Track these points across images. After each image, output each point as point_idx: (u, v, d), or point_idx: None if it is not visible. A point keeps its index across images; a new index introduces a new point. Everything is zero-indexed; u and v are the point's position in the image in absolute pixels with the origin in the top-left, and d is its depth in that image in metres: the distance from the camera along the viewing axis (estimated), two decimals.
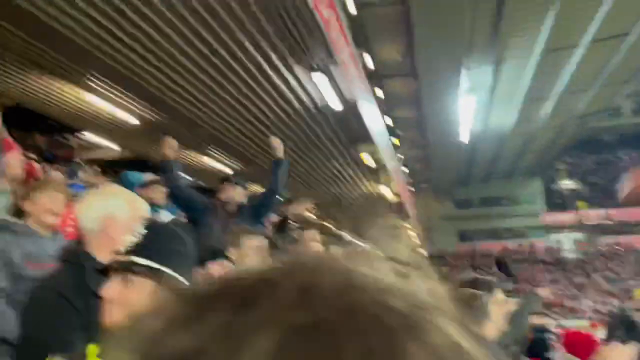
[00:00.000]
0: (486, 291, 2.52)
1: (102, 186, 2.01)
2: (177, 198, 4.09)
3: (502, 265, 33.23)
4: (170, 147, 3.98)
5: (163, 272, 1.32)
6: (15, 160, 3.08)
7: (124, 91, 8.73)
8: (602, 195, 38.66)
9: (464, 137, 23.55)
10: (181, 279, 1.34)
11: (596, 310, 28.72)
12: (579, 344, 3.44)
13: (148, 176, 4.49)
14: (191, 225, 4.18)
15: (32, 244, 2.50)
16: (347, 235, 26.95)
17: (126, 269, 1.32)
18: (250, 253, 3.38)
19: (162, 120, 10.09)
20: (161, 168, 4.05)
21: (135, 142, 12.57)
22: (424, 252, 35.74)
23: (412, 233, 26.93)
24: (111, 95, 9.02)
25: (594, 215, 36.72)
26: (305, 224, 4.47)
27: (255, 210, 4.13)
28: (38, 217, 2.60)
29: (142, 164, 15.22)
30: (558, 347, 3.45)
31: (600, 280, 32.11)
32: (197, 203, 4.01)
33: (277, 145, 4.17)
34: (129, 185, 4.77)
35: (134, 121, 10.23)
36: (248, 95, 8.75)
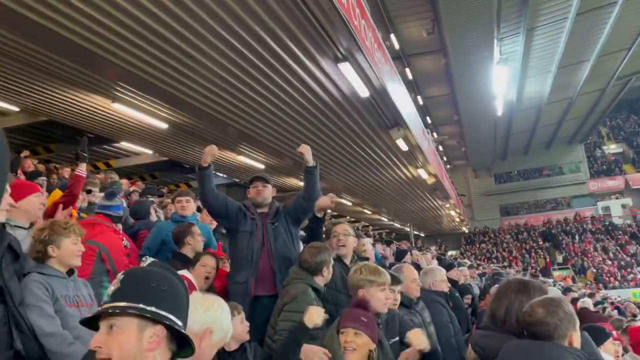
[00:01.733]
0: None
1: (210, 296, 2.03)
2: (211, 207, 3.98)
3: (548, 237, 32.58)
4: (212, 154, 3.85)
5: (145, 310, 1.31)
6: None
7: (149, 97, 8.72)
8: None
9: (498, 109, 22.88)
10: (165, 314, 1.33)
11: None
12: None
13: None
14: (228, 233, 4.07)
15: (62, 285, 2.68)
16: (385, 219, 26.78)
17: (108, 315, 1.31)
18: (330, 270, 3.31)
19: (191, 122, 10.09)
20: (199, 174, 3.88)
21: (168, 146, 12.67)
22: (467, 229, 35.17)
23: (453, 212, 26.49)
24: (138, 102, 9.05)
25: None
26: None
27: (294, 214, 3.98)
28: (64, 261, 2.74)
29: (176, 166, 15.44)
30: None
31: None
32: (231, 210, 3.88)
33: (305, 152, 3.98)
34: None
35: (163, 125, 10.27)
36: (274, 91, 8.61)
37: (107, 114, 9.94)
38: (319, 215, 3.85)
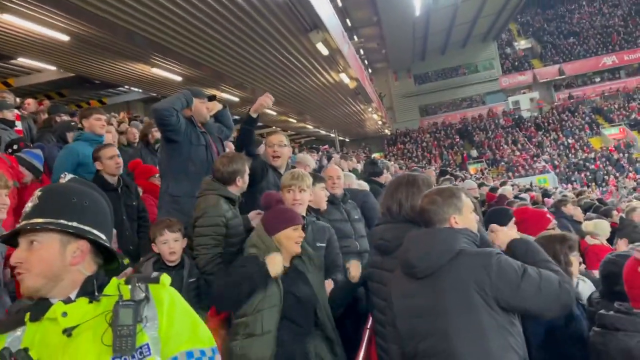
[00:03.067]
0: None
1: None
2: (169, 121, 3.60)
3: (464, 134, 34.25)
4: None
5: (66, 225, 1.30)
6: None
7: (43, 6, 7.89)
8: (555, 51, 39.00)
9: (417, 9, 22.83)
10: (88, 229, 1.32)
11: (555, 165, 30.24)
12: (530, 220, 3.53)
13: None
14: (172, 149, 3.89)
15: None
16: (310, 127, 26.92)
17: (28, 231, 1.30)
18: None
19: (95, 32, 9.31)
20: (186, 96, 3.71)
21: (73, 60, 11.72)
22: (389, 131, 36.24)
23: (375, 116, 27.04)
24: (31, 12, 8.17)
25: (548, 72, 37.28)
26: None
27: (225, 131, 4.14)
28: None
29: (86, 82, 14.40)
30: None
31: (556, 135, 33.42)
32: (182, 122, 3.63)
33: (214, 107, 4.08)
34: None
35: (64, 37, 9.41)
36: None
37: None
38: (254, 115, 3.79)
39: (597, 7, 41.27)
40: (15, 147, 4.29)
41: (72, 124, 5.50)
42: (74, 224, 1.30)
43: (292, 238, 2.60)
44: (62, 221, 1.29)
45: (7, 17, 8.25)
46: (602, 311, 2.22)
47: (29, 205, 1.32)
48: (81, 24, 8.77)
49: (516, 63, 39.18)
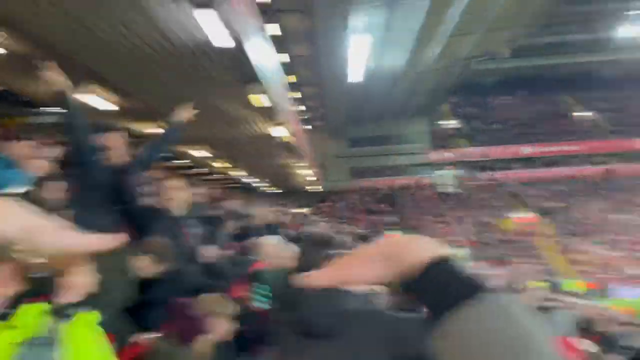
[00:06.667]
0: None
1: None
2: (77, 137, 3.54)
3: (388, 199, 34.84)
4: (57, 74, 3.36)
5: None
6: None
7: None
8: (482, 134, 41.80)
9: (357, 76, 23.84)
10: None
11: (470, 240, 31.70)
12: None
13: None
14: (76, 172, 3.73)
15: None
16: (244, 176, 26.77)
17: None
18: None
19: (29, 51, 9.05)
20: (58, 102, 3.43)
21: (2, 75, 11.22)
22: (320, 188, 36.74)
23: (308, 172, 27.46)
24: None
25: (473, 152, 39.79)
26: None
27: (145, 161, 4.16)
28: None
29: (13, 99, 13.70)
30: None
31: (477, 212, 35.26)
32: (92, 150, 3.62)
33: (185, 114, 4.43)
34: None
35: None
36: (127, 27, 8.05)
37: None
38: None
39: (518, 101, 45.01)
40: None
41: None
42: None
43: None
44: None
45: None
46: None
47: None
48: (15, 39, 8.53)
49: (444, 140, 41.54)
